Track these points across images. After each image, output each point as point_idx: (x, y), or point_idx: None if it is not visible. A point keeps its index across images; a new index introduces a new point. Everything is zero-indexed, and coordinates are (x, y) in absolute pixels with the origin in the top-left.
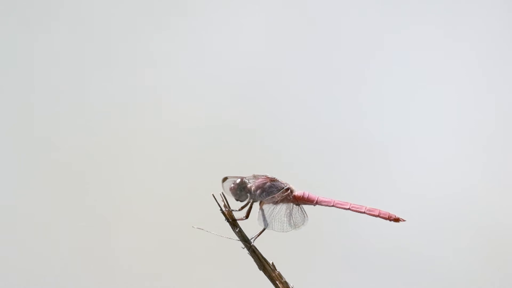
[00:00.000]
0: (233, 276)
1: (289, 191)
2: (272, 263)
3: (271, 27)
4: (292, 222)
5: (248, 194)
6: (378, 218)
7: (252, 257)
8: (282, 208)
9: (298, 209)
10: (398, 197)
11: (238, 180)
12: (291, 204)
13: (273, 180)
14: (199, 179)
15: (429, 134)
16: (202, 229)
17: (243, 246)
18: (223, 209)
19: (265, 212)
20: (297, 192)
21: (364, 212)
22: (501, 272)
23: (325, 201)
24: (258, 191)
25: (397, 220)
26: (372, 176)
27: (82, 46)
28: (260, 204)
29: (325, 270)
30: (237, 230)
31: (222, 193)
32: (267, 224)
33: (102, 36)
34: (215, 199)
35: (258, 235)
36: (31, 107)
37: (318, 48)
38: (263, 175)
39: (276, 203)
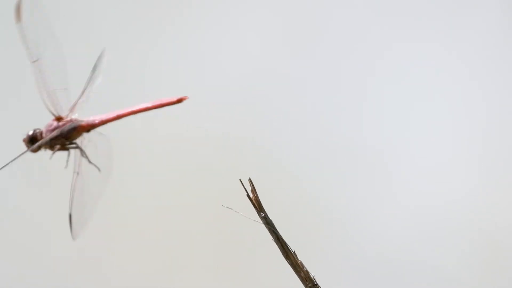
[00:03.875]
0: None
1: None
2: (294, 252)
3: (271, 35)
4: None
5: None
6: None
7: (276, 244)
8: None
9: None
10: (397, 206)
11: (30, 132)
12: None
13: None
14: (198, 187)
15: (427, 142)
16: (231, 209)
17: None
18: (250, 194)
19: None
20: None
21: (150, 108)
22: (503, 277)
23: (108, 118)
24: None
25: (180, 100)
26: (372, 185)
27: (76, 49)
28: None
29: (325, 281)
30: (262, 216)
31: (250, 178)
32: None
33: (95, 40)
34: (242, 183)
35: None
36: (26, 108)
37: (318, 55)
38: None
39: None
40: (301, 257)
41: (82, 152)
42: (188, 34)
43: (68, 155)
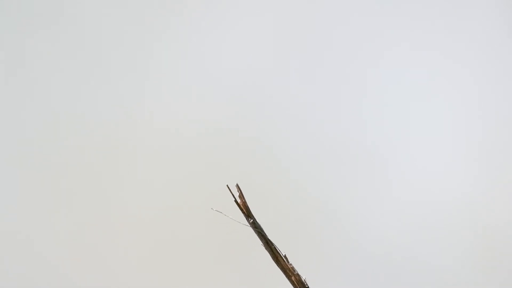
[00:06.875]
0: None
1: None
2: (285, 255)
3: (271, 33)
4: None
5: None
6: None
7: (266, 249)
8: None
9: None
10: (398, 204)
11: None
12: None
13: None
14: (198, 188)
15: (427, 141)
16: (221, 212)
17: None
18: (238, 200)
19: None
20: None
21: None
22: (503, 277)
23: None
24: None
25: None
26: (372, 183)
27: (72, 49)
28: None
29: (323, 280)
30: (251, 221)
31: (237, 184)
32: None
33: (93, 39)
34: (229, 189)
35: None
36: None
37: (318, 55)
38: None
39: None
40: (297, 255)
41: None
42: (187, 34)
43: None
